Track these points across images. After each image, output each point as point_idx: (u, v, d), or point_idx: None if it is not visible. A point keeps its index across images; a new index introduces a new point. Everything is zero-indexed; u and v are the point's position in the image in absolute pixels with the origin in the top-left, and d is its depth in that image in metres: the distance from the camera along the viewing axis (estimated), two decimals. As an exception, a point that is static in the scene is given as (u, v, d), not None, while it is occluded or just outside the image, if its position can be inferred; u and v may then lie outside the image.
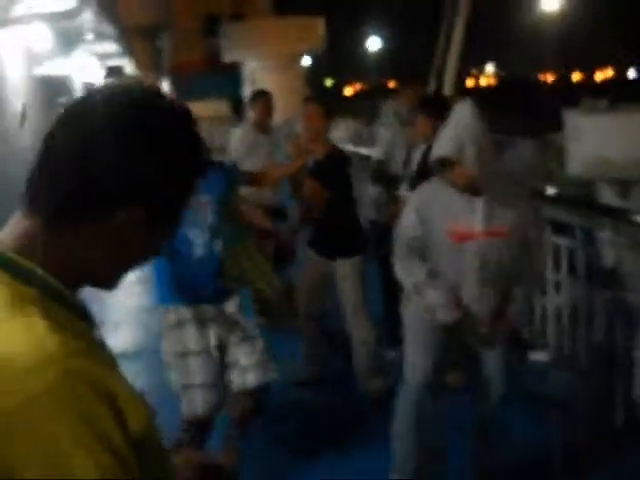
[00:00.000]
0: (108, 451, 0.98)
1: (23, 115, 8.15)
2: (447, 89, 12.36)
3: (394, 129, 5.62)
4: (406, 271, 3.41)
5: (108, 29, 10.67)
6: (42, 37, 8.89)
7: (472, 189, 3.22)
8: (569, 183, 7.32)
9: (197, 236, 3.67)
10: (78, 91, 14.33)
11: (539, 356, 5.52)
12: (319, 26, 23.56)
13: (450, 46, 12.21)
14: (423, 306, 3.38)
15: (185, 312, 3.76)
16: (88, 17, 8.05)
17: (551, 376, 5.20)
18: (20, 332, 1.01)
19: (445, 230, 3.30)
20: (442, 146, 3.21)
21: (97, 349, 1.12)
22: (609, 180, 6.95)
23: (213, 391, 3.73)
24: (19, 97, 8.17)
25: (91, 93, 1.19)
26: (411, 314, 3.59)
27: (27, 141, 8.27)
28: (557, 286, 5.30)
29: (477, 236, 3.27)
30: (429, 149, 3.80)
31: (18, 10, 7.59)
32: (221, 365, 3.80)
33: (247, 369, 3.78)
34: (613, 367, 4.54)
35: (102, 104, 1.14)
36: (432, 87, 12.59)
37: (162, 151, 1.14)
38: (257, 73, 22.32)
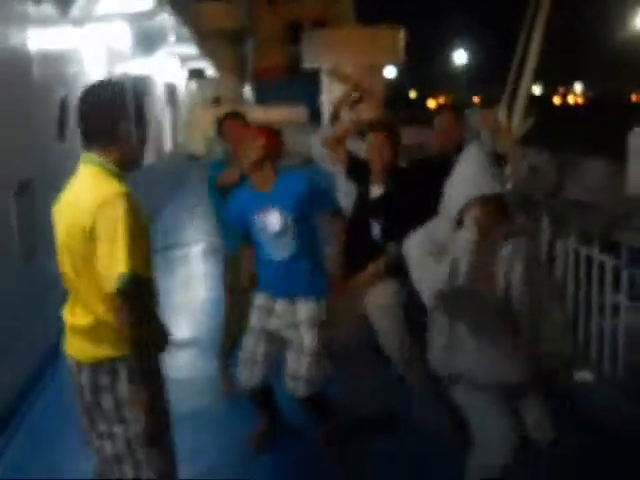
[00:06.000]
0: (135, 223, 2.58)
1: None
2: (519, 108, 12.26)
3: None
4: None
5: (186, 32, 11.01)
6: (123, 36, 9.25)
7: None
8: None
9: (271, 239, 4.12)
10: (159, 91, 14.77)
11: (583, 376, 5.46)
12: (399, 37, 23.58)
13: (525, 65, 12.12)
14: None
15: (260, 298, 4.27)
16: (165, 19, 8.36)
17: (597, 397, 5.11)
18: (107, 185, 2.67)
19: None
20: None
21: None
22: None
23: (254, 368, 4.18)
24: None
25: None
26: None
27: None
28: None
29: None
30: None
31: (99, 9, 7.97)
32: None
33: (295, 378, 4.11)
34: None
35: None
36: (504, 105, 12.50)
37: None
38: (334, 82, 22.48)
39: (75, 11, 7.27)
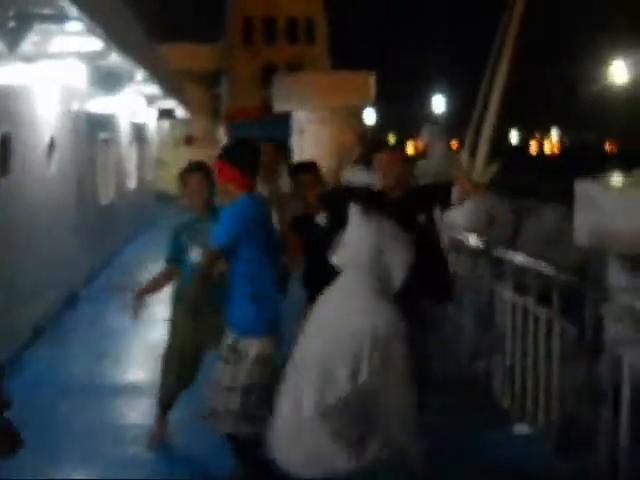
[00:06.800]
0: None
1: (51, 146, 8.45)
2: (482, 151, 12.32)
3: None
4: None
5: (147, 72, 11.02)
6: (80, 74, 9.21)
7: None
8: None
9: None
10: (124, 129, 14.75)
11: (520, 429, 5.39)
12: (369, 81, 23.87)
13: (487, 110, 12.21)
14: None
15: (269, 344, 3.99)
16: (115, 59, 8.35)
17: (531, 450, 5.05)
18: None
19: None
20: None
21: None
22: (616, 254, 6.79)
23: None
24: (50, 130, 8.48)
25: None
26: None
27: (53, 170, 8.57)
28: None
29: None
30: None
31: (52, 47, 7.92)
32: None
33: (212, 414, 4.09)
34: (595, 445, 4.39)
35: None
36: (467, 150, 12.57)
37: None
38: (305, 124, 22.72)
39: (27, 47, 7.23)
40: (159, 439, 5.10)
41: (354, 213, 2.91)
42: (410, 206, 4.60)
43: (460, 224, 7.73)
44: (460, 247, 6.93)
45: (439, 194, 4.77)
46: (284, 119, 24.58)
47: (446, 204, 4.76)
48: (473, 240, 6.71)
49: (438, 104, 74.79)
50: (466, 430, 5.18)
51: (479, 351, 6.29)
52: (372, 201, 4.38)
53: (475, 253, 6.47)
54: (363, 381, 2.64)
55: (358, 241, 2.79)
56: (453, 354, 6.81)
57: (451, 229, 7.60)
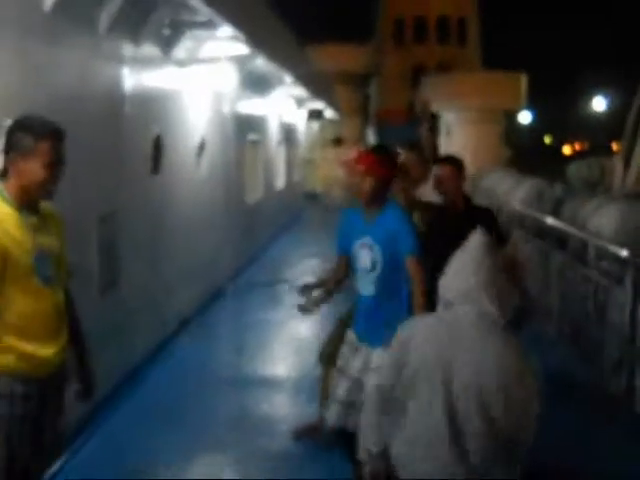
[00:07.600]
0: None
1: (200, 147, 8.82)
2: (637, 157, 11.67)
3: None
4: None
5: (293, 75, 11.25)
6: (230, 77, 9.55)
7: None
8: None
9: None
10: (273, 130, 15.13)
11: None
12: (520, 83, 23.11)
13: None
14: None
15: (350, 334, 4.18)
16: (262, 63, 8.57)
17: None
18: None
19: None
20: None
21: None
22: None
23: (332, 406, 4.09)
24: (200, 131, 8.83)
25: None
26: None
27: (203, 169, 8.93)
28: None
29: None
30: None
31: (204, 52, 8.28)
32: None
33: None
34: None
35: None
36: (622, 155, 11.95)
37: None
38: (453, 125, 22.38)
39: (180, 53, 7.61)
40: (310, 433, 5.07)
41: (480, 235, 2.70)
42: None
43: (606, 233, 7.38)
44: (604, 256, 6.63)
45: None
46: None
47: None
48: (618, 250, 6.39)
49: (599, 104, 71.32)
50: (604, 447, 4.98)
51: (621, 365, 5.99)
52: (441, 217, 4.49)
53: (620, 263, 6.17)
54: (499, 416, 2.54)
55: (479, 270, 2.59)
56: (595, 367, 6.53)
57: (596, 238, 7.28)
